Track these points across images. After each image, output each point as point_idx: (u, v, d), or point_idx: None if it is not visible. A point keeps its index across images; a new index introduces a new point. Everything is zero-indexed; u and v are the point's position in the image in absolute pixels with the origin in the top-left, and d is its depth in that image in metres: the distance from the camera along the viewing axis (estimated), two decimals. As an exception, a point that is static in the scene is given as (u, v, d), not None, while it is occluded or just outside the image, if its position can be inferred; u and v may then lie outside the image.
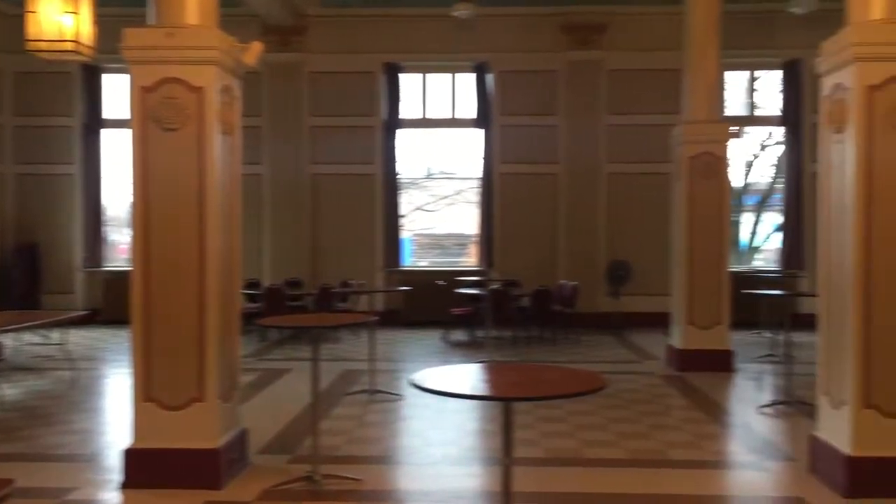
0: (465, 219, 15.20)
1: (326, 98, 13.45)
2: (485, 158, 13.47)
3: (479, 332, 11.20)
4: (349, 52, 13.34)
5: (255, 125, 12.92)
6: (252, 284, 11.88)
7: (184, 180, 4.89)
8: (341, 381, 8.37)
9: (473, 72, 13.41)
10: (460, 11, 11.97)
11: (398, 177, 13.70)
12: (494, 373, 3.52)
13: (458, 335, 11.73)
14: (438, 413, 6.78)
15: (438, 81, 13.83)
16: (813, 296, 5.77)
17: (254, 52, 5.18)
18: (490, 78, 13.37)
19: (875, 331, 4.66)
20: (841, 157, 4.88)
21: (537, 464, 5.42)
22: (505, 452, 3.15)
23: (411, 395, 7.29)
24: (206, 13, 5.00)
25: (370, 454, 5.71)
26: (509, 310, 11.06)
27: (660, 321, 10.62)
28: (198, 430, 4.86)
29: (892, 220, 4.66)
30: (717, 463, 5.61)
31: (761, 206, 16.32)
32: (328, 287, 11.58)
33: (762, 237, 16.06)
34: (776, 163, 15.29)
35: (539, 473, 5.21)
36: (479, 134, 13.51)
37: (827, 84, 5.07)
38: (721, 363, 8.95)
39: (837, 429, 4.83)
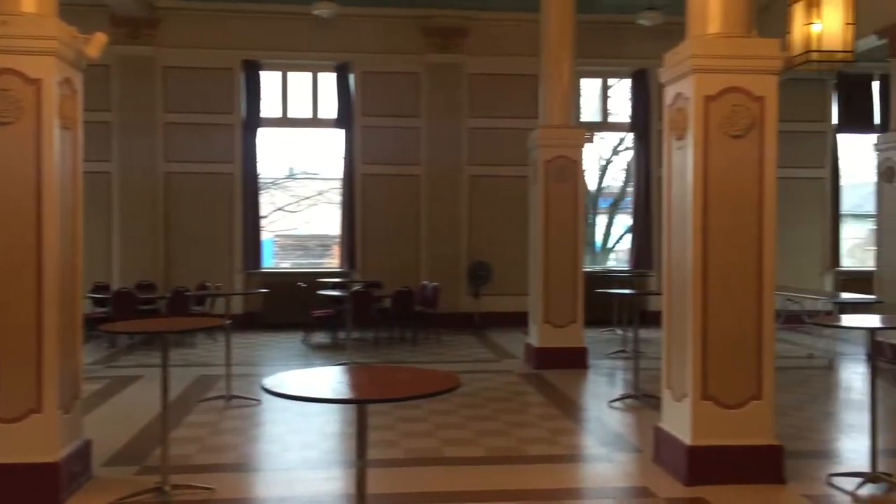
0: (328, 220, 15.06)
1: (182, 94, 12.96)
2: (347, 159, 13.38)
3: (340, 334, 11.12)
4: (206, 48, 12.91)
5: (103, 121, 12.32)
6: (100, 288, 11.29)
7: (19, 177, 4.58)
8: (196, 387, 8.09)
9: (335, 71, 13.29)
10: (321, 10, 11.84)
11: (258, 177, 13.38)
12: (349, 375, 3.49)
13: (320, 337, 11.59)
14: (299, 417, 6.67)
15: (299, 80, 13.61)
16: (659, 294, 6.07)
17: (97, 43, 4.91)
18: (352, 78, 13.29)
19: (711, 327, 4.95)
20: (681, 163, 5.16)
21: (397, 464, 5.43)
22: (359, 454, 3.12)
23: (270, 399, 7.11)
24: (44, 1, 4.71)
25: (224, 462, 5.54)
26: (371, 311, 11.04)
27: (519, 320, 10.89)
28: (35, 444, 4.56)
29: (727, 224, 4.97)
30: (570, 457, 5.80)
31: (614, 209, 17.08)
32: (183, 290, 11.16)
33: (615, 238, 16.80)
34: (627, 167, 16.03)
35: (398, 474, 5.22)
36: (341, 134, 13.40)
37: (669, 93, 5.35)
38: (576, 360, 9.27)
39: (679, 420, 5.11)
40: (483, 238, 13.38)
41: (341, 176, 13.50)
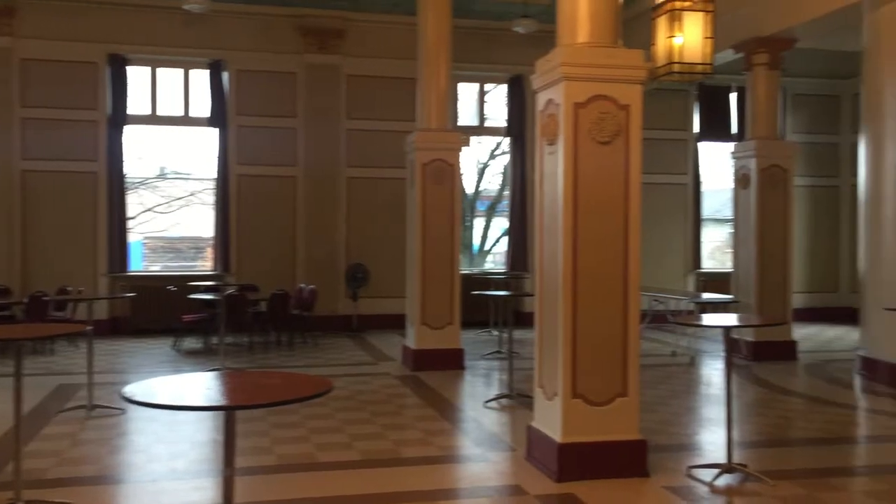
0: (201, 221, 14.59)
1: (41, 88, 12.25)
2: (220, 159, 13.01)
3: (213, 339, 10.80)
4: (68, 40, 12.25)
5: (-47, 114, 11.52)
6: (-52, 293, 10.53)
7: None
8: (55, 397, 7.66)
9: (208, 69, 12.91)
10: (192, 5, 11.46)
11: (125, 176, 12.81)
12: (218, 381, 3.38)
13: (191, 343, 11.22)
14: (167, 426, 6.42)
15: (170, 77, 13.13)
16: (532, 296, 6.19)
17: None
18: (226, 76, 12.95)
19: (581, 328, 5.09)
20: (553, 168, 5.29)
21: (270, 471, 5.31)
22: (227, 462, 3.03)
23: (135, 408, 6.80)
24: None
25: (84, 475, 5.26)
26: (245, 315, 10.77)
27: (397, 322, 10.89)
28: None
29: (595, 227, 5.13)
30: (445, 457, 5.83)
31: (491, 212, 17.35)
32: (41, 294, 10.54)
33: (492, 241, 17.08)
34: (504, 171, 16.33)
35: (270, 481, 5.11)
36: (215, 133, 13.03)
37: (541, 99, 5.47)
38: (453, 362, 9.35)
39: (550, 418, 5.23)
40: (361, 240, 13.32)
41: (215, 176, 13.13)
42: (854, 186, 10.49)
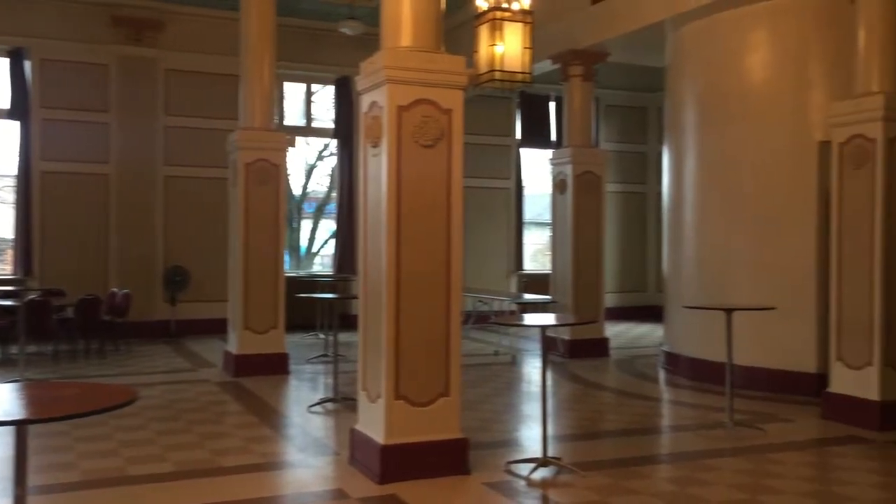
0: (0, 221, 13.45)
1: None
2: (22, 154, 12.04)
3: (12, 349, 9.96)
4: None
5: None
6: None
7: None
8: None
9: (7, 56, 11.93)
10: (-10, -14, 10.55)
11: None
12: (10, 393, 3.10)
13: (-12, 353, 10.31)
14: (-47, 445, 5.84)
15: (-37, 63, 12.02)
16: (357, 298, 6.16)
17: None
18: (28, 65, 12.01)
19: (403, 329, 5.12)
20: (377, 170, 5.28)
21: (72, 488, 4.96)
22: (18, 481, 2.79)
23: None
24: None
25: None
26: (50, 322, 10.03)
27: (219, 327, 10.51)
28: None
29: (418, 230, 5.17)
30: (266, 465, 5.67)
31: (319, 214, 17.15)
32: None
33: (320, 243, 16.88)
34: (332, 172, 16.19)
35: (73, 498, 4.78)
36: (15, 126, 12.05)
37: (365, 102, 5.46)
38: (277, 366, 9.15)
39: (373, 420, 5.22)
40: (180, 242, 12.76)
41: (15, 172, 12.14)
42: (659, 193, 11.24)
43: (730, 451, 6.00)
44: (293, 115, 14.49)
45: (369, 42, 8.48)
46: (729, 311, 6.57)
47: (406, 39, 5.22)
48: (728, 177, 8.76)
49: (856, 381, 6.73)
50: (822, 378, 7.51)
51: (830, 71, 7.99)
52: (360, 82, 5.48)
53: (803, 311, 8.03)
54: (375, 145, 5.28)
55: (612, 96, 15.78)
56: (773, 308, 6.94)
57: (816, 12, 8.12)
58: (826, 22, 8.04)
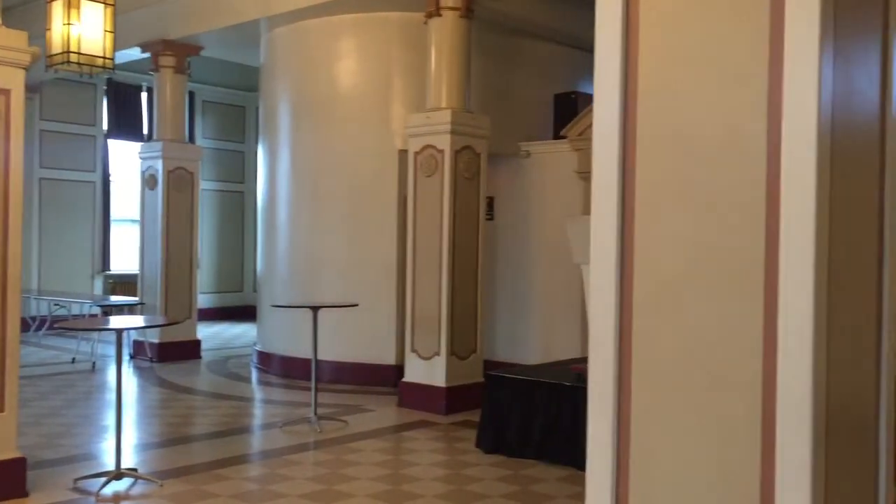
0: None
1: None
2: None
3: None
4: None
5: None
6: None
7: None
8: None
9: None
10: None
11: None
12: None
13: None
14: None
15: None
16: None
17: None
18: None
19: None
20: None
21: None
22: None
23: None
24: None
25: None
26: None
27: None
28: None
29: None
30: None
31: None
32: None
33: None
34: None
35: None
36: None
37: None
38: None
39: None
40: None
41: None
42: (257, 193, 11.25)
43: (312, 444, 6.19)
44: None
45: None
46: (315, 308, 6.77)
47: None
48: (318, 179, 9.04)
49: (426, 370, 7.38)
50: (400, 369, 8.08)
51: (409, 84, 8.64)
52: None
53: (384, 307, 8.59)
54: None
55: (211, 92, 15.42)
56: (356, 305, 7.32)
57: (398, 28, 8.71)
58: (405, 38, 8.66)
